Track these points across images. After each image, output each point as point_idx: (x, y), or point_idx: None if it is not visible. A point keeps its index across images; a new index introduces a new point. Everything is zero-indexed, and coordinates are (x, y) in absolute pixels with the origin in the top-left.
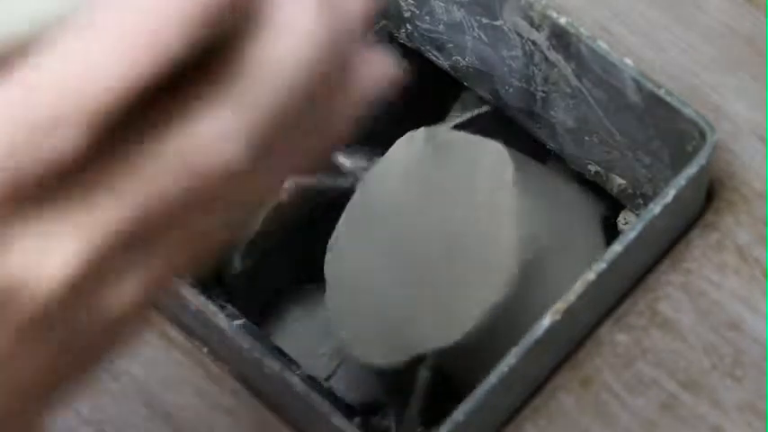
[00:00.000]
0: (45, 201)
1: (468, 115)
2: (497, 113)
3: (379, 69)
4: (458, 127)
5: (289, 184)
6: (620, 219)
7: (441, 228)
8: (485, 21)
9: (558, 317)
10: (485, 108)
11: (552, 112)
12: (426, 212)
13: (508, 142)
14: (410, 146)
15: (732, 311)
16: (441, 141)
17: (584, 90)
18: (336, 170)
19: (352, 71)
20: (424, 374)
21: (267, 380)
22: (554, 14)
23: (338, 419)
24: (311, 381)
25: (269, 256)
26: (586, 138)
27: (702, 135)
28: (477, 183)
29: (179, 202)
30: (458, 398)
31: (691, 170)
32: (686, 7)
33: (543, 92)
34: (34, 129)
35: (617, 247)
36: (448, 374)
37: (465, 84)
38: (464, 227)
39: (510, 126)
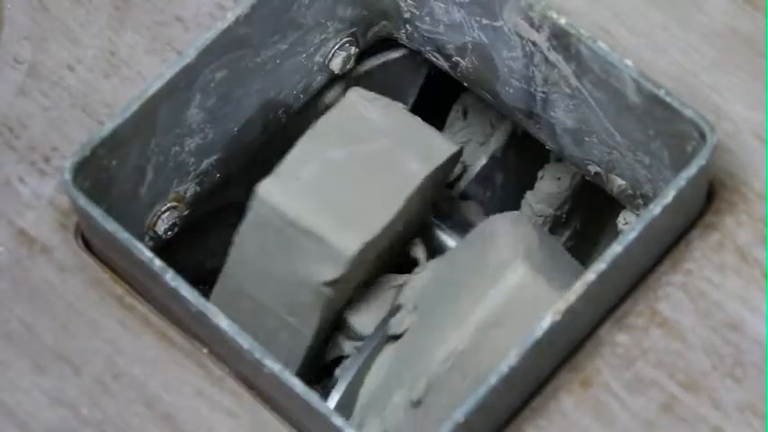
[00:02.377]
0: None
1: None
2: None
3: None
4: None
5: None
6: (620, 219)
7: None
8: (485, 21)
9: (557, 317)
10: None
11: (552, 113)
12: None
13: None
14: None
15: (732, 312)
16: None
17: (584, 91)
18: None
19: None
20: None
21: (267, 380)
22: (554, 15)
23: (338, 419)
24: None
25: None
26: (586, 138)
27: (702, 135)
28: None
29: None
30: None
31: (691, 170)
32: (686, 8)
33: (543, 92)
34: None
35: (617, 248)
36: None
37: (465, 84)
38: None
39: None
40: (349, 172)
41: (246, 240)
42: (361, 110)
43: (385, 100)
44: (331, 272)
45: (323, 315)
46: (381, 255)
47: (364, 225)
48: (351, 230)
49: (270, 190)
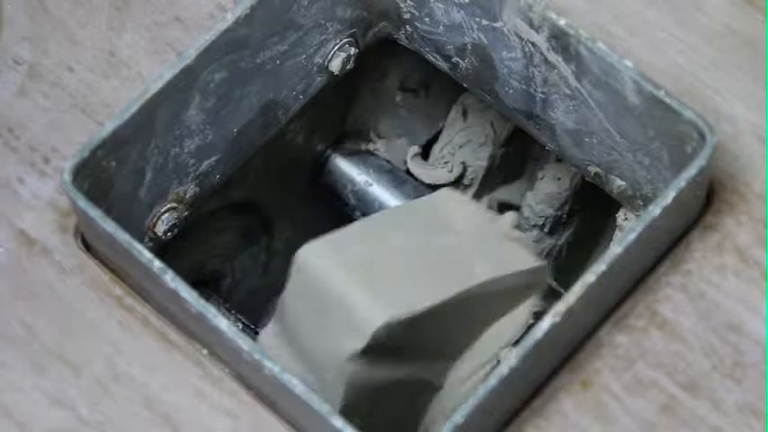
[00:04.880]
0: None
1: None
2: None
3: None
4: None
5: None
6: (620, 213)
7: None
8: (484, 22)
9: (557, 318)
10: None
11: (552, 114)
12: None
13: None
14: None
15: (732, 313)
16: None
17: (583, 91)
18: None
19: None
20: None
21: (266, 381)
22: (553, 16)
23: (338, 420)
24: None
25: (270, 258)
26: (586, 139)
27: (702, 136)
28: None
29: None
30: None
31: (690, 171)
32: (686, 8)
33: (543, 93)
34: None
35: (617, 249)
36: None
37: (464, 85)
38: None
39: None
40: (402, 258)
41: (288, 303)
42: (445, 208)
43: (477, 206)
44: (354, 343)
45: (348, 395)
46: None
47: (399, 304)
48: (382, 306)
49: (310, 253)
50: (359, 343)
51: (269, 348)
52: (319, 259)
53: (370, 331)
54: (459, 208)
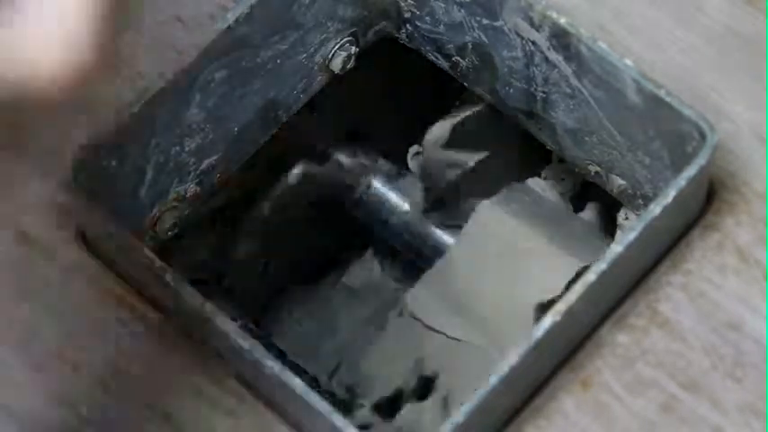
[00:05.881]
0: None
1: (462, 114)
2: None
3: None
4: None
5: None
6: (621, 214)
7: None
8: (485, 21)
9: (558, 317)
10: (479, 106)
11: (552, 113)
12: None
13: (503, 140)
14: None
15: (732, 312)
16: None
17: (584, 90)
18: (337, 168)
19: None
20: None
21: (267, 380)
22: (554, 15)
23: (338, 419)
24: (311, 381)
25: (270, 256)
26: (586, 138)
27: (702, 136)
28: None
29: None
30: None
31: (691, 171)
32: (686, 8)
33: (543, 92)
34: None
35: (617, 248)
36: None
37: (465, 84)
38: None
39: (505, 126)
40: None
41: (457, 257)
42: (534, 192)
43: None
44: (550, 291)
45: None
46: None
47: (584, 257)
48: (574, 254)
49: (489, 206)
50: (554, 291)
51: (421, 306)
52: (499, 212)
53: (567, 278)
54: (544, 194)
